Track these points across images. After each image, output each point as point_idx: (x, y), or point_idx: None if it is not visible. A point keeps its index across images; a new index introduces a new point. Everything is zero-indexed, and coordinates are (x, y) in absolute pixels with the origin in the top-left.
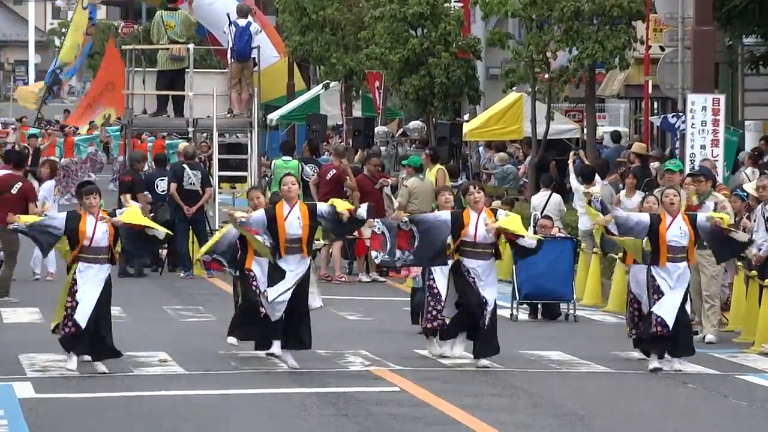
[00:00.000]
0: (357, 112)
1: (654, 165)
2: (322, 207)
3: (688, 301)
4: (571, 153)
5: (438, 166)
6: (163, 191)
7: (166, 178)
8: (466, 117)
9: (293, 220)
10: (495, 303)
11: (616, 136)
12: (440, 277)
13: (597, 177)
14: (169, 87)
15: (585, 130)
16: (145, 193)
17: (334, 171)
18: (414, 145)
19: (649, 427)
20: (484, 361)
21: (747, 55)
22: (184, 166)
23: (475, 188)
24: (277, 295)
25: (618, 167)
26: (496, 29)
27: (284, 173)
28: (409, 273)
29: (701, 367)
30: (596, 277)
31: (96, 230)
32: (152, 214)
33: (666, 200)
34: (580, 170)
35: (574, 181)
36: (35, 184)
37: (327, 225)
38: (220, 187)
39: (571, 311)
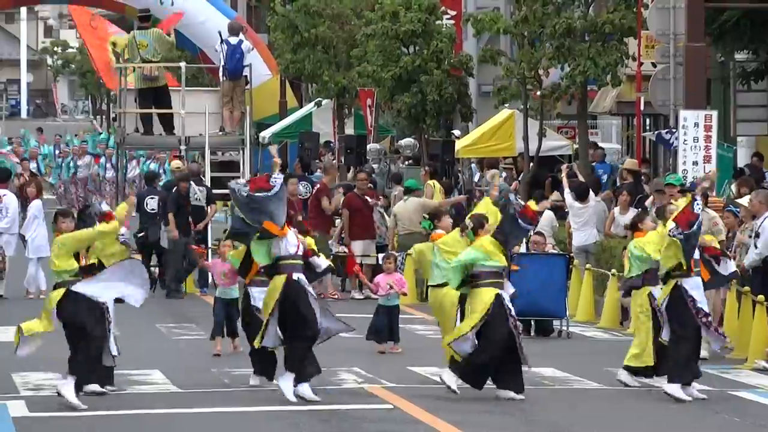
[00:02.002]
0: (349, 130)
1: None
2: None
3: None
4: (564, 167)
5: (429, 181)
6: (152, 210)
7: (156, 197)
8: (457, 133)
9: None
10: None
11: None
12: None
13: (591, 194)
14: (150, 106)
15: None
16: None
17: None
18: (407, 163)
19: None
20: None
21: (739, 70)
22: (191, 182)
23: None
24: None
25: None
26: (487, 46)
27: None
28: (377, 289)
29: (694, 383)
30: (589, 294)
31: None
32: (142, 233)
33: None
34: (575, 187)
35: (568, 197)
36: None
37: None
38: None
39: (564, 328)
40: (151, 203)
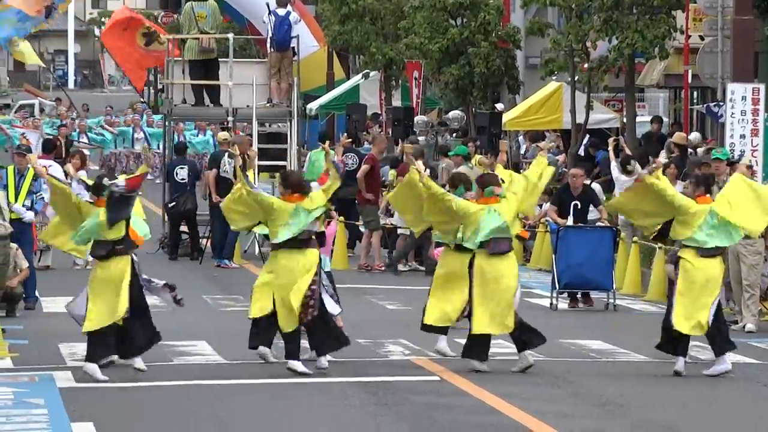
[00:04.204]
0: (397, 102)
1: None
2: None
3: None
4: (611, 140)
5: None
6: (182, 179)
7: (186, 167)
8: (500, 106)
9: None
10: None
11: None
12: None
13: (637, 166)
14: (202, 77)
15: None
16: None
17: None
18: (455, 135)
19: (689, 415)
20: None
21: None
22: (225, 153)
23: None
24: None
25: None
26: (535, 18)
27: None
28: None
29: (741, 356)
30: (636, 267)
31: None
32: (174, 203)
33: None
34: (621, 159)
35: (614, 170)
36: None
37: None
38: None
39: (611, 301)
40: (181, 173)
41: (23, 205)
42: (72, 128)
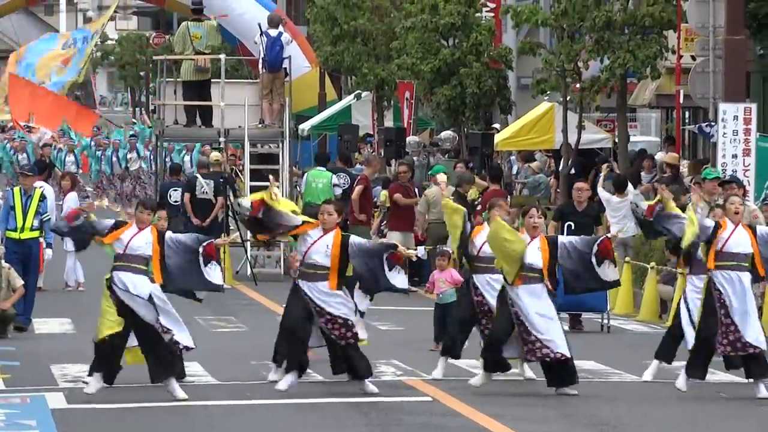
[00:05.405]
0: (389, 122)
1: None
2: (355, 240)
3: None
4: (605, 166)
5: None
6: (176, 202)
7: (180, 189)
8: (497, 126)
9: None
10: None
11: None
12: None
13: (630, 186)
14: (197, 98)
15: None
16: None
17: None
18: (447, 155)
19: None
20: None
21: None
22: (197, 175)
23: (537, 211)
24: None
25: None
26: (527, 39)
27: (323, 200)
28: (432, 289)
29: (734, 376)
30: (628, 287)
31: (134, 238)
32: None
33: (731, 207)
34: (614, 180)
35: (603, 193)
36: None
37: (355, 262)
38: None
39: (605, 322)
40: (175, 195)
41: (31, 226)
42: (66, 147)
